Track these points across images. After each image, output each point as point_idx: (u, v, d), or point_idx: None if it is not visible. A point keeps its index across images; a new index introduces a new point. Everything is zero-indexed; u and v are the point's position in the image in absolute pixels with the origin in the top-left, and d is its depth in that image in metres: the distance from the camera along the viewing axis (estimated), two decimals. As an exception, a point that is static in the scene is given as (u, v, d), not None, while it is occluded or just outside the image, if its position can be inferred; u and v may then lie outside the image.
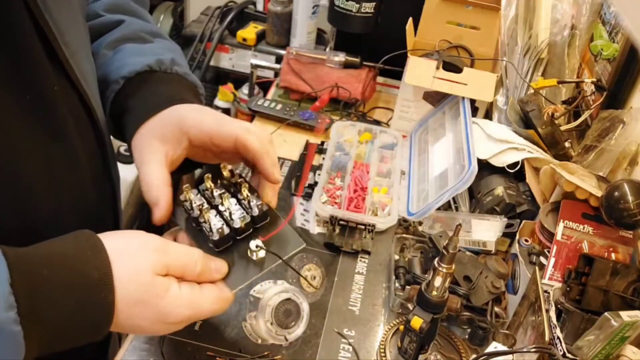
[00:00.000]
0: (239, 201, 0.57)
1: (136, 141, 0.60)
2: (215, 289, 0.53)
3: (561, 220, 0.73)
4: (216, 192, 0.58)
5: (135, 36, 0.68)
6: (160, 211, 0.56)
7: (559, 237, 0.72)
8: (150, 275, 0.48)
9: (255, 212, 0.56)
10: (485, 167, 0.87)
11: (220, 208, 0.57)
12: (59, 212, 0.53)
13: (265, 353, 0.66)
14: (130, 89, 0.63)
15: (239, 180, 0.59)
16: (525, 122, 0.93)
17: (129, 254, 0.49)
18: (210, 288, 0.53)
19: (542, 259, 0.74)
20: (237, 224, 0.55)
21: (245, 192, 0.57)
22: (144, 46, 0.67)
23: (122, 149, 1.49)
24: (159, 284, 0.49)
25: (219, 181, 0.60)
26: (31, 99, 0.48)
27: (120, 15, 0.70)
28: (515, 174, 0.87)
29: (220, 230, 0.55)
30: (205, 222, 0.55)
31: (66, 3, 0.54)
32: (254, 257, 0.55)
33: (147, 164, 0.57)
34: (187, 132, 0.58)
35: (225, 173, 0.60)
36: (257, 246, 0.55)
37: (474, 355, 0.67)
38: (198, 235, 0.57)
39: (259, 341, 0.65)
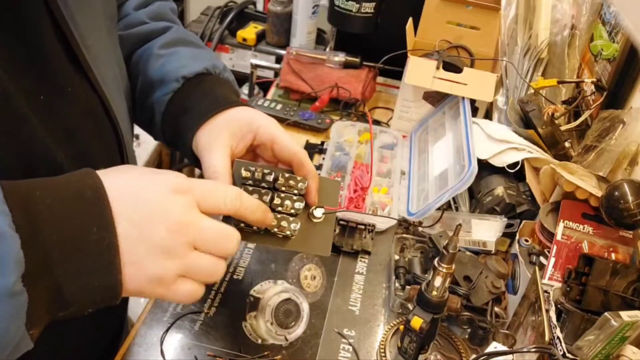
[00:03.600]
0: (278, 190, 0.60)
1: (201, 136, 0.63)
2: None
3: (561, 220, 0.73)
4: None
5: (188, 41, 0.72)
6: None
7: (559, 237, 0.72)
8: (142, 182, 0.47)
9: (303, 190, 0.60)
10: (485, 167, 0.87)
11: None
12: None
13: (265, 353, 0.66)
14: (189, 88, 0.66)
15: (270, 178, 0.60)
16: (525, 122, 0.93)
17: (119, 171, 0.48)
18: None
19: (542, 259, 0.74)
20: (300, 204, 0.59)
21: (282, 180, 0.59)
22: (198, 50, 0.72)
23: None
24: (153, 184, 0.47)
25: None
26: (47, 96, 0.49)
27: (166, 22, 0.74)
28: (515, 174, 0.87)
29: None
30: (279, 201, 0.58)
31: (89, 11, 0.56)
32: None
33: (215, 151, 0.60)
34: (256, 131, 0.62)
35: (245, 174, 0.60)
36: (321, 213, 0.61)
37: (474, 355, 0.67)
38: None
39: (259, 341, 0.65)
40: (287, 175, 0.59)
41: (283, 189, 0.59)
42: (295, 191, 0.59)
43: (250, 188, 0.58)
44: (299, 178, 0.59)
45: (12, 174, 0.46)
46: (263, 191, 0.58)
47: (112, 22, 0.65)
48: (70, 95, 0.52)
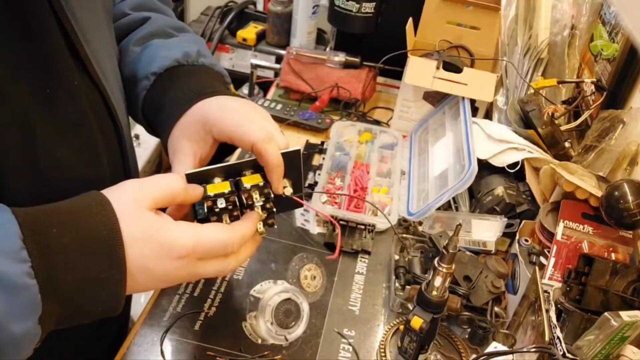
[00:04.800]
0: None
1: (169, 142, 0.61)
2: (217, 223, 0.54)
3: (561, 220, 0.73)
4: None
5: (161, 32, 0.69)
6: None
7: (559, 237, 0.72)
8: (144, 211, 0.49)
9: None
10: (485, 167, 0.87)
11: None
12: None
13: (265, 353, 0.66)
14: (161, 85, 0.64)
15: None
16: (525, 122, 0.93)
17: (122, 202, 0.49)
18: (212, 223, 0.54)
19: (542, 259, 0.74)
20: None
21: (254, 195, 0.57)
22: (170, 41, 0.68)
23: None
24: (154, 218, 0.49)
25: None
26: (52, 90, 0.49)
27: (146, 12, 0.72)
28: (515, 174, 0.87)
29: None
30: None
31: (89, 5, 0.55)
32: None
33: (177, 165, 0.58)
34: (210, 131, 0.59)
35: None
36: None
37: (474, 355, 0.67)
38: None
39: (259, 341, 0.65)
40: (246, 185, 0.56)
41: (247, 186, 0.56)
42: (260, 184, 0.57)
43: (217, 210, 0.55)
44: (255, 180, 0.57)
45: (15, 166, 0.48)
46: (230, 207, 0.56)
47: (110, 16, 0.64)
48: (75, 89, 0.52)
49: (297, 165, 0.59)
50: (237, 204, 0.56)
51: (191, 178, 0.55)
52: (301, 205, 0.61)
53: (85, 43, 0.53)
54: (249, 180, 0.56)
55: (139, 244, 0.47)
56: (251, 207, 0.56)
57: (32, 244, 0.42)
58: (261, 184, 0.56)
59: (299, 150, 0.58)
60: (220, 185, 0.55)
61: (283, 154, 0.57)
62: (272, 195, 0.57)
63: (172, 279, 0.51)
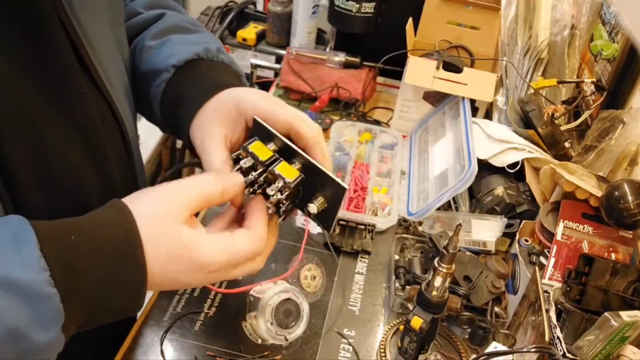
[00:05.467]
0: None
1: (195, 128, 0.60)
2: (245, 230, 0.53)
3: (561, 220, 0.73)
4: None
5: (180, 27, 0.69)
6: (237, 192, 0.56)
7: (559, 237, 0.72)
8: (177, 226, 0.48)
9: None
10: (485, 167, 0.87)
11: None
12: (84, 208, 0.52)
13: (265, 353, 0.66)
14: (181, 77, 0.64)
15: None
16: (525, 122, 0.93)
17: (152, 213, 0.48)
18: (240, 230, 0.53)
19: (542, 259, 0.74)
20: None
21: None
22: (190, 36, 0.69)
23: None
24: (186, 236, 0.48)
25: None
26: (60, 92, 0.49)
27: (159, 9, 0.72)
28: (515, 174, 0.87)
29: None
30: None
31: (92, 8, 0.55)
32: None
33: (209, 146, 0.58)
34: (244, 114, 0.58)
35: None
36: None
37: (474, 355, 0.67)
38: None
39: (259, 341, 0.65)
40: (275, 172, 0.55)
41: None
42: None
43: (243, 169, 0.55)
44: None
45: (26, 170, 0.48)
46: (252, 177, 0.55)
47: (118, 18, 0.64)
48: (81, 94, 0.52)
49: (338, 200, 0.57)
50: (257, 178, 0.55)
51: (257, 127, 0.56)
52: (321, 226, 0.59)
53: (89, 47, 0.53)
54: (285, 169, 0.55)
55: (172, 263, 0.48)
56: (264, 191, 0.55)
57: (50, 252, 0.41)
58: (290, 182, 0.54)
59: (345, 189, 0.55)
60: (264, 150, 0.55)
61: (332, 178, 0.55)
62: (287, 196, 0.55)
63: (201, 284, 0.53)
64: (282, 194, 0.55)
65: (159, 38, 0.68)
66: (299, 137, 0.56)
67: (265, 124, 0.57)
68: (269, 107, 0.57)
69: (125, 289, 0.46)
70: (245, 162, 0.55)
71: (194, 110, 0.60)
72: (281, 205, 0.56)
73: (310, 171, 0.56)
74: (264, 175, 0.55)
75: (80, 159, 0.53)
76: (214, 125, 0.59)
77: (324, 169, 0.55)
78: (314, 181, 0.56)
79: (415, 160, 1.02)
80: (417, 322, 0.59)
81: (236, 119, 0.59)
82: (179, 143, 1.91)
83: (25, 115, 0.47)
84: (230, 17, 1.64)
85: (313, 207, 0.56)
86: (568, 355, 0.58)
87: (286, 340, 0.63)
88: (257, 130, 0.58)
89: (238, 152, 0.57)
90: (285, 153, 0.56)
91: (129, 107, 0.64)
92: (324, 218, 0.57)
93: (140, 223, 0.46)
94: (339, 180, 0.55)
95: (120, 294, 0.46)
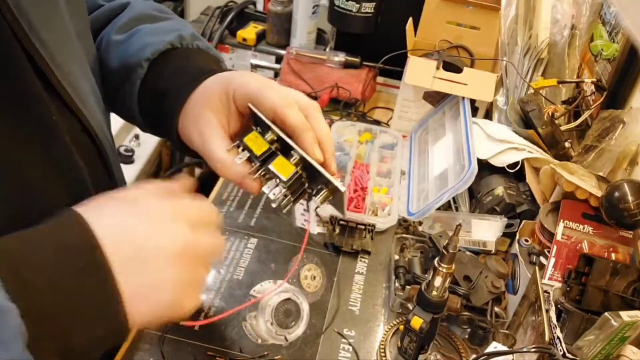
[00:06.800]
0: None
1: (185, 122, 0.56)
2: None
3: (561, 220, 0.73)
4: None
5: (147, 16, 0.64)
6: (251, 182, 0.53)
7: (559, 237, 0.72)
8: (122, 192, 0.45)
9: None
10: (485, 167, 0.87)
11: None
12: None
13: (265, 353, 0.66)
14: (158, 71, 0.59)
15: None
16: (525, 122, 0.93)
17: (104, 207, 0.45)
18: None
19: (542, 259, 0.74)
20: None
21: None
22: (160, 25, 0.64)
23: (121, 149, 1.49)
24: (127, 192, 0.45)
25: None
26: (29, 129, 0.45)
27: None
28: (515, 174, 0.87)
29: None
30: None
31: (54, 20, 0.49)
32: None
33: (209, 140, 0.54)
34: (233, 96, 0.55)
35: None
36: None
37: (474, 355, 0.67)
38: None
39: (259, 341, 0.65)
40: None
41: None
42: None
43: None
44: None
45: (7, 215, 0.44)
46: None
47: (84, 24, 0.58)
48: (53, 123, 0.47)
49: (340, 197, 0.56)
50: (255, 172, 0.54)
51: (255, 118, 0.53)
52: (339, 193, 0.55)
53: (55, 67, 0.47)
54: (281, 165, 0.53)
55: (122, 219, 0.43)
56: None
57: (1, 264, 0.38)
58: (285, 180, 0.52)
59: (343, 193, 0.54)
60: (259, 142, 0.53)
61: (327, 177, 0.53)
62: (284, 193, 0.54)
63: (171, 246, 0.45)
64: (280, 192, 0.53)
65: (126, 30, 0.62)
66: (284, 125, 0.53)
67: (258, 113, 0.54)
68: (255, 89, 0.53)
69: (91, 300, 0.40)
70: (241, 157, 0.53)
71: (180, 104, 0.56)
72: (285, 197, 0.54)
73: (307, 164, 0.54)
74: (260, 171, 0.54)
75: (63, 194, 0.48)
76: (209, 115, 0.55)
77: (318, 167, 0.53)
78: (312, 174, 0.55)
79: (415, 160, 1.02)
80: (417, 322, 0.59)
81: (226, 103, 0.55)
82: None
83: (1, 157, 0.42)
84: (230, 17, 1.63)
85: (317, 201, 0.55)
86: (568, 355, 0.58)
87: (286, 340, 0.63)
88: (254, 119, 0.55)
89: (235, 143, 0.54)
90: (284, 143, 0.54)
91: (105, 122, 0.59)
92: (334, 203, 0.57)
93: (101, 233, 0.42)
94: (333, 179, 0.54)
95: (89, 307, 0.40)
